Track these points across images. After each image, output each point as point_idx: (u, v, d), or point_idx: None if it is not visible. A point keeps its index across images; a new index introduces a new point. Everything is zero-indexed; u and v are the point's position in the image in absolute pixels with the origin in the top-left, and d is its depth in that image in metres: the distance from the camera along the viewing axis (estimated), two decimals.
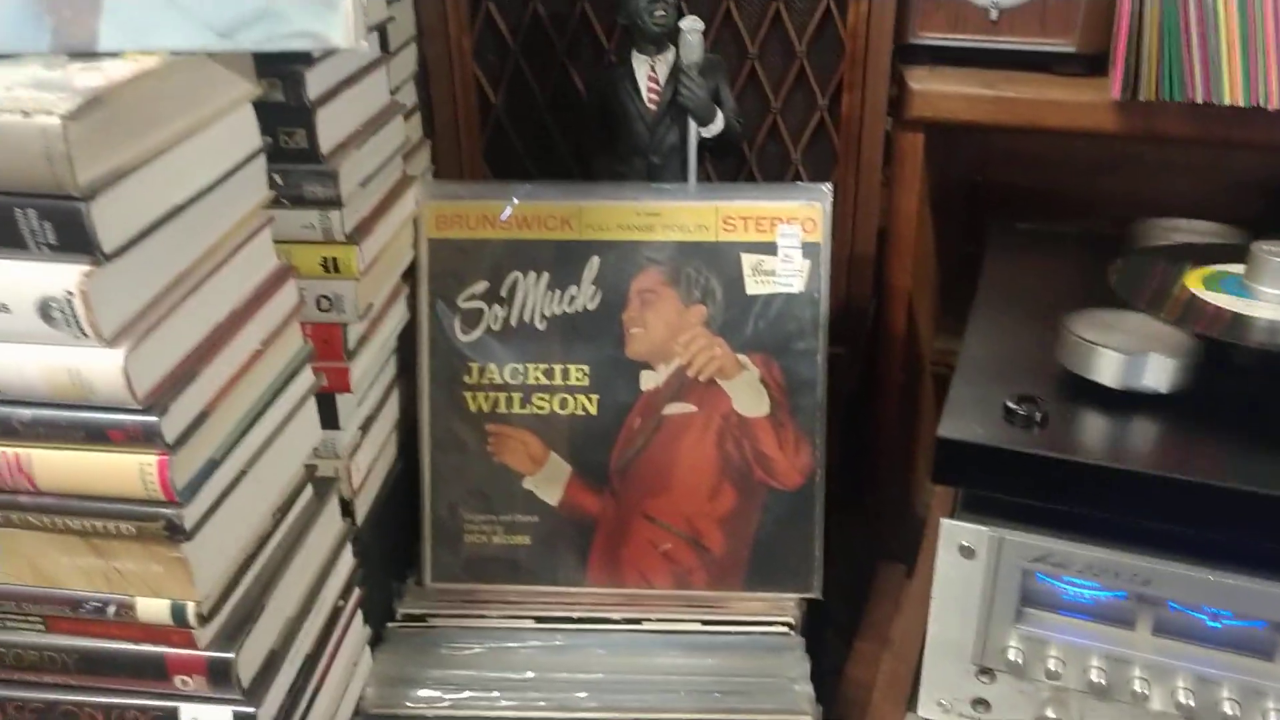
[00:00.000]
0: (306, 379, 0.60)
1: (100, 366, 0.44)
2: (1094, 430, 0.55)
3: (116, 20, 0.47)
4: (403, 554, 0.80)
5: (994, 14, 0.81)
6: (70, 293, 0.42)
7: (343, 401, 0.68)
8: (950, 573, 0.57)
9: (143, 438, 0.46)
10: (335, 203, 0.62)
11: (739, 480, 0.77)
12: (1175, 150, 0.95)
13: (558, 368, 0.78)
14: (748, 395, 0.77)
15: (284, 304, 0.57)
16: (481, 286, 0.78)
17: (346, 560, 0.66)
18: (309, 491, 0.62)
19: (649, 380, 0.77)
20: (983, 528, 0.55)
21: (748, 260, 0.76)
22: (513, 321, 0.78)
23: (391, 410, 0.78)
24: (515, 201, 0.77)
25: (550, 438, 0.78)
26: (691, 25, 0.73)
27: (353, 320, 0.66)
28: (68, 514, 0.48)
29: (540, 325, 0.78)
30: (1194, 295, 0.62)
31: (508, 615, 0.77)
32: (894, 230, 0.90)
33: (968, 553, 0.56)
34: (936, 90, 0.83)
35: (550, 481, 0.78)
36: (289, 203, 0.61)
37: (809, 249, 0.76)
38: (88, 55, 0.47)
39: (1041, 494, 0.54)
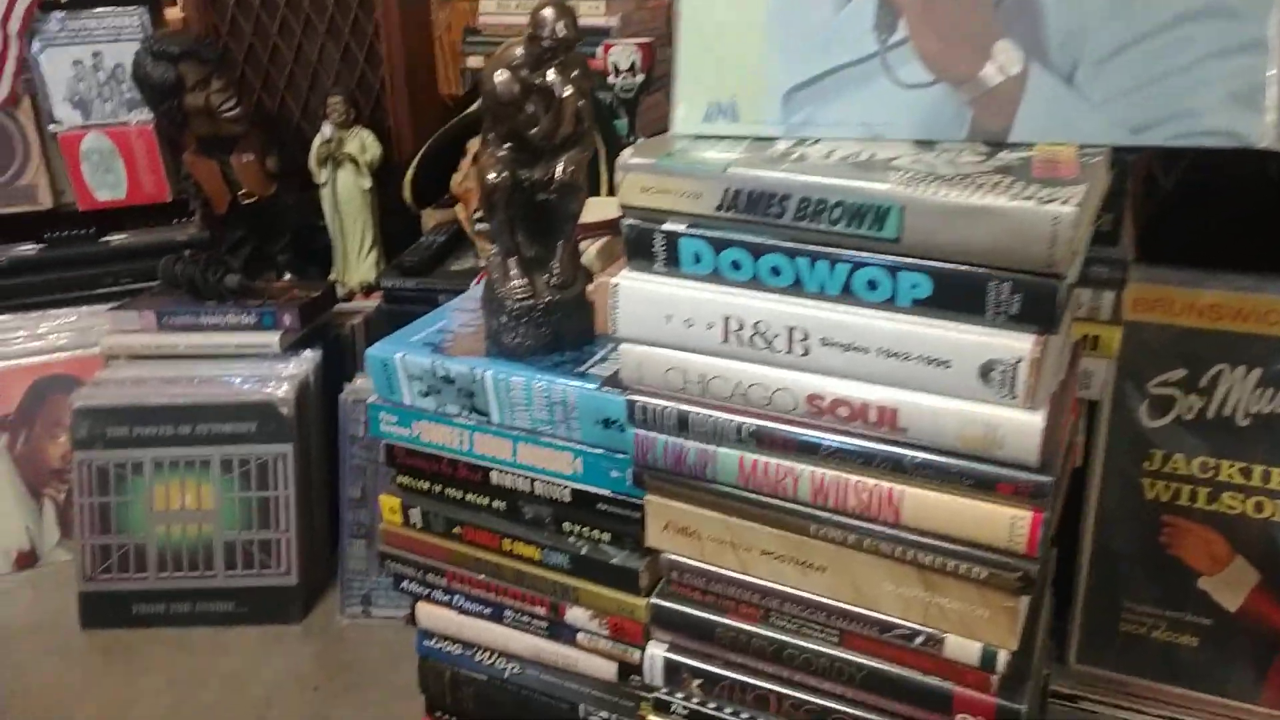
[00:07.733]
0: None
1: (1019, 427, 0.48)
2: None
3: (1031, 116, 0.53)
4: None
5: None
6: (1019, 359, 0.47)
7: None
8: None
9: (1029, 495, 0.50)
10: (1118, 283, 0.64)
11: None
12: None
13: (1258, 469, 0.74)
14: None
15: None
16: (1178, 374, 0.76)
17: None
18: None
19: None
20: None
21: None
22: (1209, 413, 0.75)
23: None
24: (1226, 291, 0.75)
25: (1238, 540, 0.74)
26: None
27: (1095, 396, 0.68)
28: (919, 549, 0.54)
29: (1243, 421, 0.74)
30: None
31: (1165, 717, 0.74)
32: None
33: None
34: None
35: (1231, 586, 0.74)
36: None
37: None
38: (997, 145, 0.53)
39: None
